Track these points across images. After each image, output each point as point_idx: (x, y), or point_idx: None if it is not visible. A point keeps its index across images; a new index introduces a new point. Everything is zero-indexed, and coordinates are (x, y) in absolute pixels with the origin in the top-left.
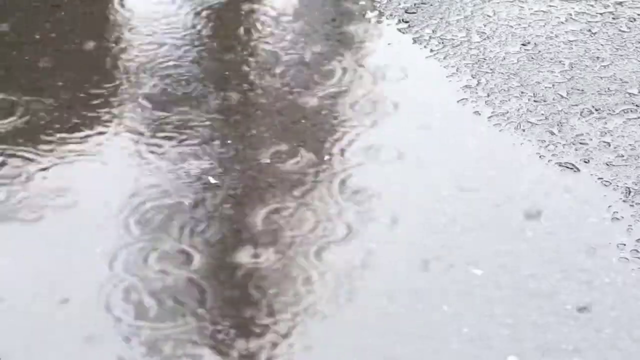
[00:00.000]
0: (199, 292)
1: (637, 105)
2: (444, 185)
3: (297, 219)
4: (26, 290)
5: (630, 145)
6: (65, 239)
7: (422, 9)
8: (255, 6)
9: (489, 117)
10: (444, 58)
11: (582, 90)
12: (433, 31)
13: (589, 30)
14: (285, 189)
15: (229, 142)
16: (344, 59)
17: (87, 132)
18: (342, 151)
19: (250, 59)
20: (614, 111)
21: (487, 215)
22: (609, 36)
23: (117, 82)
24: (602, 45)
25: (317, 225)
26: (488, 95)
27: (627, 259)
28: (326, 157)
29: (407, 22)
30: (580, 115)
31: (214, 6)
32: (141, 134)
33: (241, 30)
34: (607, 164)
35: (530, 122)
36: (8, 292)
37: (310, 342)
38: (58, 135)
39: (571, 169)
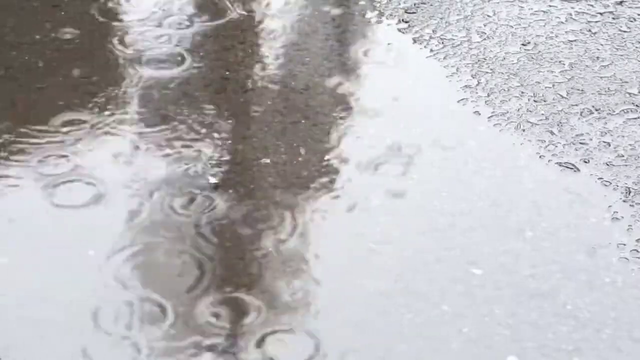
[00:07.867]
0: None
1: (637, 105)
2: (443, 185)
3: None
4: None
5: (630, 145)
6: None
7: (422, 9)
8: (255, 6)
9: (489, 117)
10: (444, 58)
11: (582, 90)
12: (433, 31)
13: (589, 30)
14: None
15: (229, 142)
16: (344, 59)
17: (86, 128)
18: (341, 152)
19: (250, 59)
20: (614, 111)
21: (487, 215)
22: (609, 36)
23: (116, 82)
24: (602, 45)
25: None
26: (488, 95)
27: (627, 259)
28: (326, 158)
29: (407, 22)
30: (580, 115)
31: (213, 6)
32: (141, 132)
33: (241, 30)
34: (607, 164)
35: (530, 122)
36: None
37: (310, 341)
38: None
39: (571, 169)
